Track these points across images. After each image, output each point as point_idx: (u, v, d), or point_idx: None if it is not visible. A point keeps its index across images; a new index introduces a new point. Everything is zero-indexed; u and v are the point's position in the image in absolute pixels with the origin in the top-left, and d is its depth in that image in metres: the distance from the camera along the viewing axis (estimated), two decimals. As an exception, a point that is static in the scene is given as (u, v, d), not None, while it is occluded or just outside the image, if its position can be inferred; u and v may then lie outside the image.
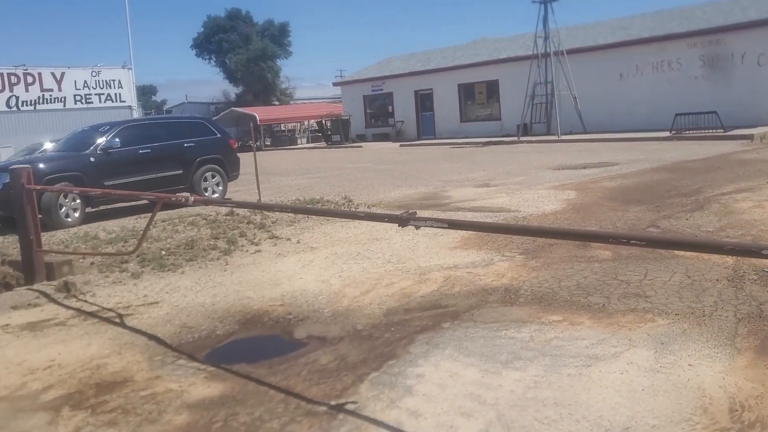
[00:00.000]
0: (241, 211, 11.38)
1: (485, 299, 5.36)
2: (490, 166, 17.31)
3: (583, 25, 33.32)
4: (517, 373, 3.84)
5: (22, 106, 21.37)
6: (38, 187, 7.12)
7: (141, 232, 9.60)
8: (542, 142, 25.34)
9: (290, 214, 10.58)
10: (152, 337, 5.05)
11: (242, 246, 8.27)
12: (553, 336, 4.40)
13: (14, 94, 21.05)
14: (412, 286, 5.88)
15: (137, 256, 7.95)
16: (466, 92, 34.46)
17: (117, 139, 11.98)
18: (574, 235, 3.96)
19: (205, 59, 64.20)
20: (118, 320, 5.58)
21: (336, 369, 4.14)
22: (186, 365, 4.42)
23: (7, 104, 21.06)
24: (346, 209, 9.93)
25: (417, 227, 3.31)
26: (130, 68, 23.03)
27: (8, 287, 7.66)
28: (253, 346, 4.82)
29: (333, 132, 38.29)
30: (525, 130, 28.66)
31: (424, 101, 36.41)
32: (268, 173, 20.30)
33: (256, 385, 4.00)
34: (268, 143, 46.00)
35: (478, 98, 34.11)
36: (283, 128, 51.51)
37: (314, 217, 10.35)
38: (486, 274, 6.13)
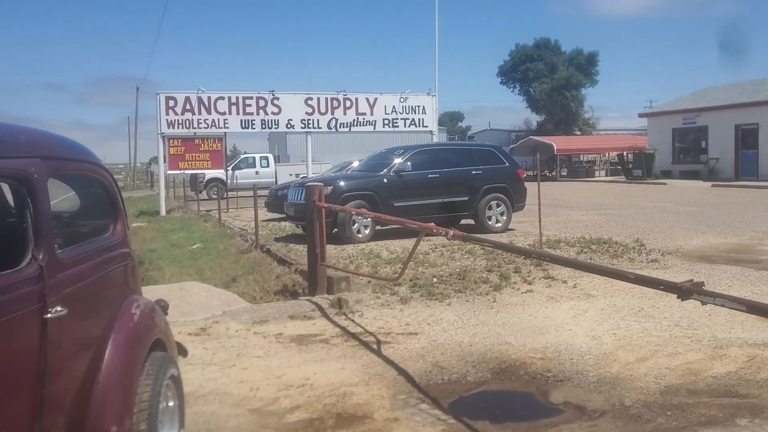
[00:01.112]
0: (520, 244, 10.96)
1: (802, 396, 4.20)
2: (826, 218, 14.45)
3: None
4: None
5: (340, 127, 23.58)
6: (325, 205, 7.54)
7: (418, 256, 9.75)
8: None
9: (571, 254, 9.89)
10: (402, 371, 4.88)
11: (514, 283, 7.84)
12: None
13: (334, 116, 23.33)
14: (703, 362, 4.89)
15: (410, 281, 8.03)
16: (803, 129, 29.70)
17: (409, 163, 12.42)
18: None
19: (509, 87, 65.25)
20: (375, 346, 5.55)
21: (590, 452, 3.50)
22: (427, 411, 4.14)
23: (328, 125, 23.38)
24: (617, 267, 8.88)
25: (703, 303, 2.58)
26: (434, 95, 24.09)
27: (294, 295, 8.29)
28: (501, 402, 4.38)
29: (634, 166, 35.82)
30: None
31: (746, 137, 32.22)
32: (558, 206, 19.56)
33: (495, 452, 3.55)
34: (564, 174, 44.85)
35: (819, 136, 29.15)
36: (581, 159, 49.91)
37: (598, 258, 9.53)
38: (807, 360, 4.87)
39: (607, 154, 48.62)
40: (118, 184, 3.36)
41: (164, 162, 21.79)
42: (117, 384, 2.79)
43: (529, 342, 5.50)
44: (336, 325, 6.30)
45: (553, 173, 43.88)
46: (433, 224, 5.09)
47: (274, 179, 30.28)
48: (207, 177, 29.91)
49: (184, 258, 12.08)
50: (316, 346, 5.65)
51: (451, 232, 4.57)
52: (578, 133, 58.99)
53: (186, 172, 23.79)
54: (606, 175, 43.64)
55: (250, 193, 26.74)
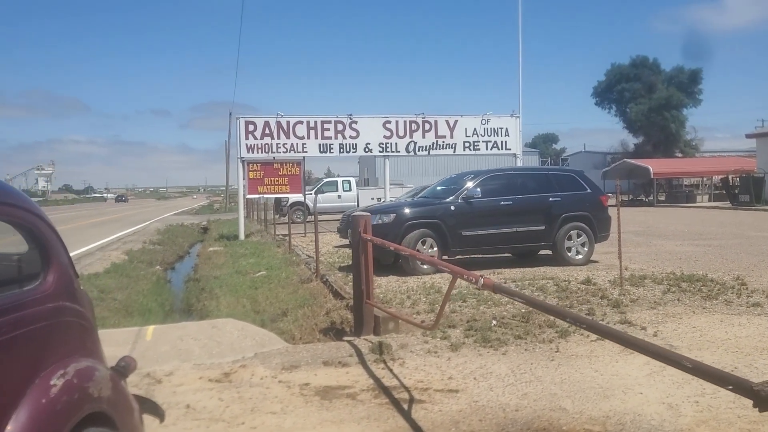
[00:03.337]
0: (600, 280, 9.92)
1: None
2: None
3: None
4: None
5: (419, 151, 22.96)
6: (369, 238, 6.88)
7: (482, 293, 8.90)
8: None
9: (656, 293, 8.76)
10: (427, 443, 4.12)
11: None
12: None
13: (413, 140, 22.75)
14: (810, 450, 3.85)
15: (466, 322, 7.24)
16: None
17: (479, 189, 11.60)
18: None
19: (605, 108, 62.92)
20: (406, 406, 4.80)
21: None
22: (444, 503, 3.37)
23: (407, 149, 22.83)
24: (710, 310, 7.58)
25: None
26: (518, 116, 23.09)
27: (340, 334, 7.66)
28: (541, 494, 3.53)
29: (741, 191, 33.24)
30: None
31: None
32: (650, 234, 18.10)
33: None
34: (662, 199, 42.32)
35: None
36: (681, 183, 47.10)
37: (687, 300, 8.37)
38: None
39: (711, 178, 45.66)
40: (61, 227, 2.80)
41: (243, 186, 21.85)
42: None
43: (588, 408, 4.60)
44: (370, 375, 5.60)
45: (650, 198, 41.51)
46: (463, 269, 4.31)
47: (356, 203, 29.99)
48: (291, 200, 29.96)
49: (243, 286, 11.72)
50: (340, 402, 4.96)
51: (482, 280, 3.79)
52: (679, 155, 55.94)
53: (265, 196, 23.80)
54: (709, 201, 40.89)
55: (330, 217, 26.55)
